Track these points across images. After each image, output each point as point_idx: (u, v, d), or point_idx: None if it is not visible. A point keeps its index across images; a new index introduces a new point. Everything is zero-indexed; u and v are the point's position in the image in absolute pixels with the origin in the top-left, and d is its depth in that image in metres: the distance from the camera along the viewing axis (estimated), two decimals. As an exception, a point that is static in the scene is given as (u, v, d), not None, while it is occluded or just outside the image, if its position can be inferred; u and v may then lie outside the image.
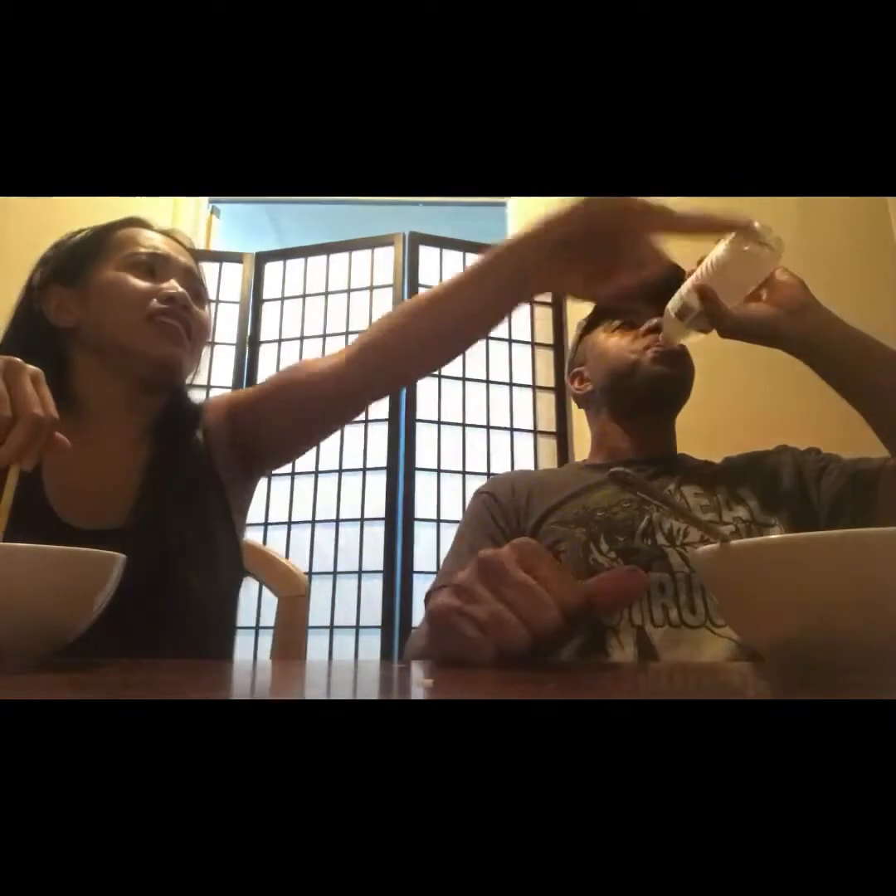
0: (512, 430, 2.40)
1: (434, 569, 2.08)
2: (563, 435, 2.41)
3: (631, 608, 0.80)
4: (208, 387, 2.40)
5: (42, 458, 0.54)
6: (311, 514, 2.29)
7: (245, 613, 1.44)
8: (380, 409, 2.32)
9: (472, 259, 2.45)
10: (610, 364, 1.00)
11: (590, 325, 1.06)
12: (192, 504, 0.75)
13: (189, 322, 0.80)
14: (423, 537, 2.20)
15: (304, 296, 2.51)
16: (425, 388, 2.34)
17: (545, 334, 2.52)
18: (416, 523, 2.21)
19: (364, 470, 2.29)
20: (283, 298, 2.52)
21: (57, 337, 0.79)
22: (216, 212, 2.79)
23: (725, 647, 0.76)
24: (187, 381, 0.87)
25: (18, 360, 0.54)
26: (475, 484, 1.76)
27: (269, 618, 1.12)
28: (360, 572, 2.21)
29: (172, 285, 0.79)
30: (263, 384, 0.87)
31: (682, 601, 0.80)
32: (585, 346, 1.06)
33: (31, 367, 0.55)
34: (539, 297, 2.54)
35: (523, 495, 0.96)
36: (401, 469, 2.26)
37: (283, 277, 2.54)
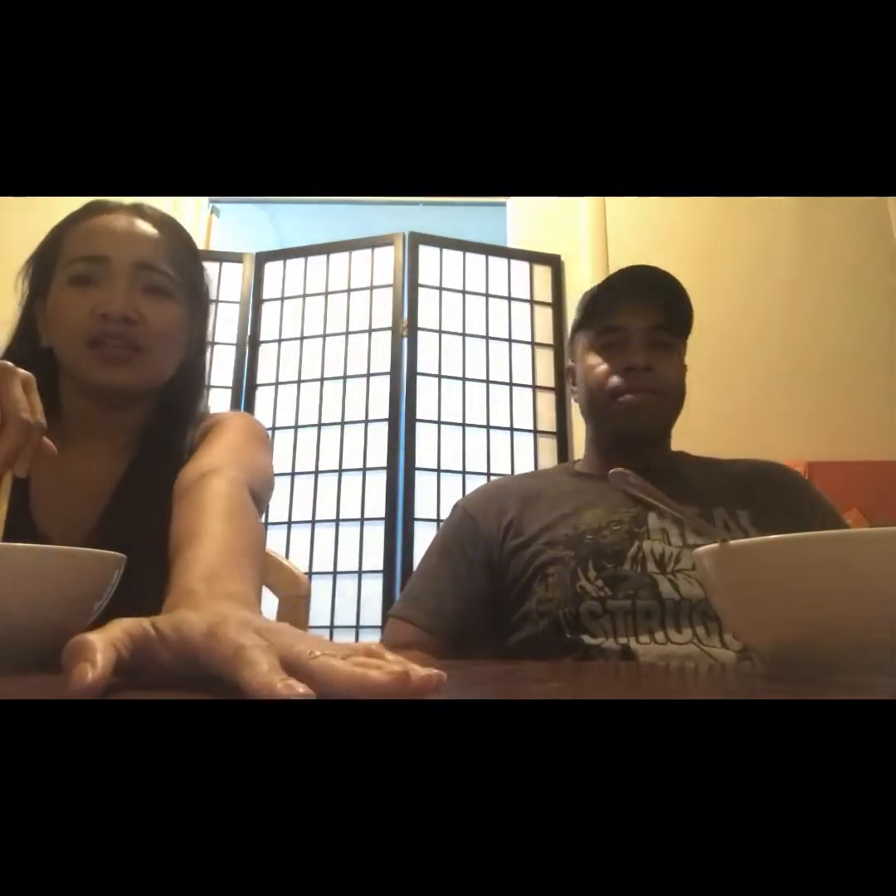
0: (512, 429, 2.40)
1: (434, 569, 2.08)
2: (562, 435, 2.41)
3: (616, 632, 0.79)
4: (208, 387, 2.40)
5: (33, 465, 0.53)
6: (311, 514, 2.29)
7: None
8: (380, 408, 2.33)
9: (472, 259, 2.41)
10: (590, 385, 0.94)
11: (580, 323, 0.98)
12: (164, 517, 0.64)
13: (131, 336, 0.71)
14: (423, 537, 2.20)
15: (304, 296, 2.51)
16: (425, 387, 2.35)
17: (545, 334, 2.52)
18: (416, 523, 2.21)
19: (364, 470, 2.29)
20: (283, 298, 2.53)
21: (48, 351, 0.75)
22: (216, 212, 2.79)
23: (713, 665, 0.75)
24: (187, 381, 0.83)
25: (10, 364, 0.53)
26: (475, 484, 1.76)
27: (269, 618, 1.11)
28: (360, 572, 2.21)
29: (105, 302, 0.70)
30: None
31: (668, 624, 0.79)
32: (576, 343, 1.00)
33: (22, 371, 0.53)
34: (539, 297, 2.54)
35: (511, 514, 0.92)
36: (401, 469, 2.26)
37: (283, 277, 2.55)
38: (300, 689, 0.27)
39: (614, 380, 0.91)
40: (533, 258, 2.59)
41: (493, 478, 2.22)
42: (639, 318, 0.92)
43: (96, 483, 0.74)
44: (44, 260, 0.75)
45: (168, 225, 0.77)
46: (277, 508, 2.30)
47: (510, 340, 2.49)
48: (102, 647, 0.31)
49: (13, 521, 0.51)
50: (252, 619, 0.34)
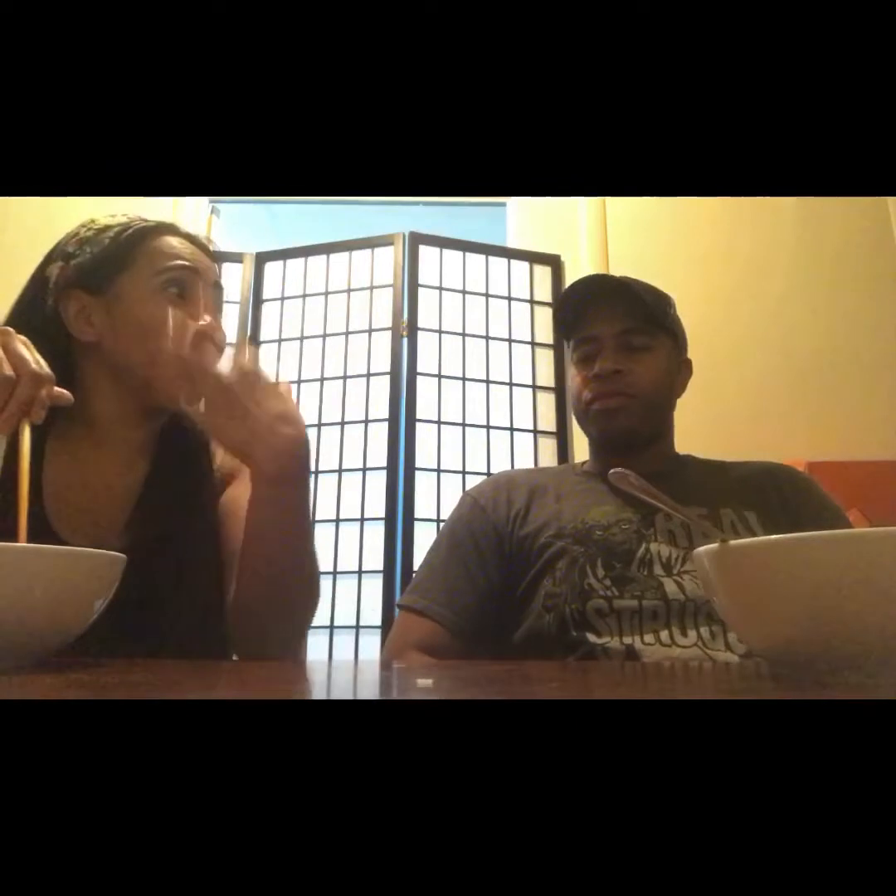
0: (512, 430, 2.39)
1: (434, 569, 2.08)
2: (562, 435, 2.41)
3: (622, 632, 0.80)
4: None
5: (44, 416, 0.57)
6: (312, 514, 2.29)
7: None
8: (380, 408, 2.33)
9: (472, 259, 2.40)
10: (572, 396, 0.99)
11: (564, 336, 1.04)
12: (189, 521, 0.70)
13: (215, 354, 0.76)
14: (423, 537, 2.20)
15: (304, 296, 2.51)
16: (425, 387, 2.34)
17: (545, 334, 2.52)
18: (416, 523, 2.21)
19: (364, 470, 2.29)
20: (283, 298, 2.52)
21: (68, 342, 0.75)
22: (216, 212, 2.79)
23: None
24: None
25: (5, 326, 0.57)
26: (475, 484, 1.75)
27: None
28: (360, 572, 2.21)
29: (196, 316, 0.75)
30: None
31: (674, 626, 0.79)
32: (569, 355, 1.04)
33: (18, 335, 0.57)
34: (539, 297, 2.54)
35: (519, 504, 0.93)
36: (401, 469, 2.26)
37: (283, 277, 2.54)
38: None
39: (586, 389, 0.94)
40: (533, 258, 2.58)
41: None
42: (608, 324, 0.94)
43: (116, 487, 0.75)
44: (107, 259, 0.75)
45: (214, 254, 0.84)
46: (277, 508, 2.29)
47: (510, 340, 2.48)
48: None
49: (29, 527, 0.51)
50: None
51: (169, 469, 0.77)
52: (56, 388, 0.58)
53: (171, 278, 0.75)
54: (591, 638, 0.80)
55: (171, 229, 0.80)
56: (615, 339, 0.93)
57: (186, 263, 0.77)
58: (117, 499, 0.74)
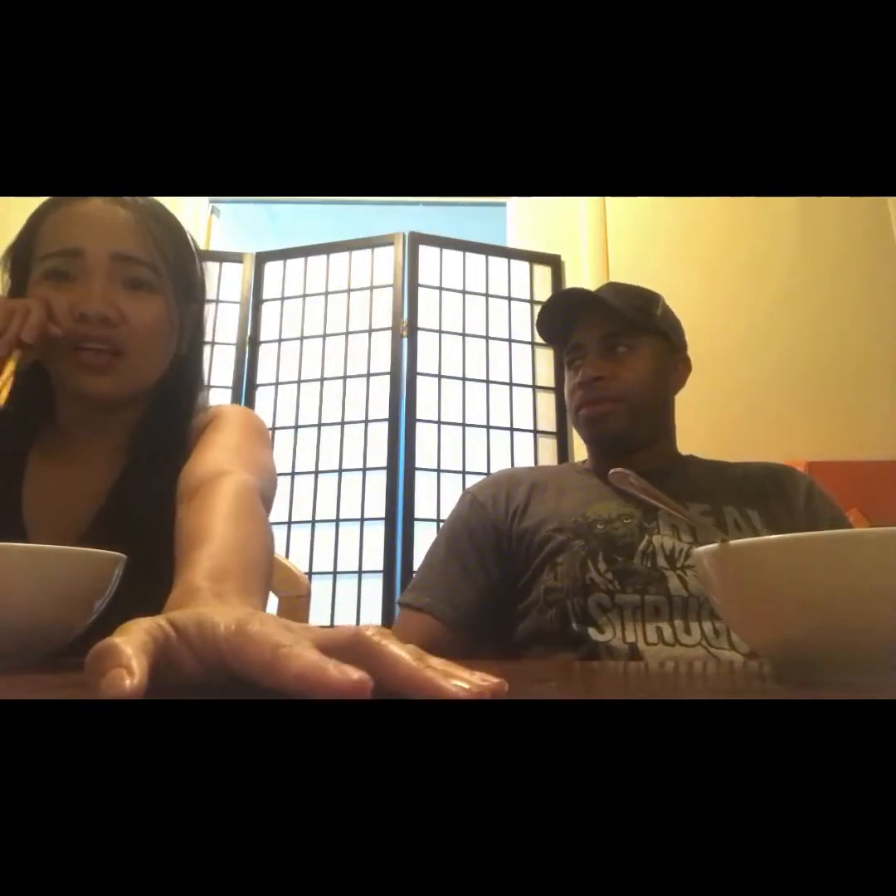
0: (512, 429, 2.40)
1: (434, 569, 2.07)
2: (562, 435, 2.41)
3: (624, 628, 0.80)
4: (208, 387, 2.40)
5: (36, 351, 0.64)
6: (312, 514, 2.29)
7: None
8: (380, 409, 2.33)
9: (472, 259, 2.41)
10: (566, 402, 1.01)
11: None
12: (156, 525, 0.60)
13: (112, 338, 0.66)
14: (423, 537, 2.20)
15: (304, 296, 2.51)
16: (425, 388, 2.35)
17: (545, 334, 2.52)
18: (416, 523, 2.21)
19: (364, 470, 2.29)
20: (283, 298, 2.52)
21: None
22: (216, 212, 2.79)
23: None
24: (184, 379, 0.79)
25: None
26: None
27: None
28: (360, 572, 2.21)
29: (83, 300, 0.65)
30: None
31: (677, 623, 0.79)
32: None
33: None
34: (539, 297, 2.54)
35: (520, 500, 0.93)
36: (401, 469, 2.26)
37: (283, 277, 2.54)
38: (355, 676, 0.24)
39: (574, 396, 0.96)
40: (533, 258, 2.58)
41: (493, 478, 2.22)
42: (589, 331, 0.95)
43: (91, 483, 0.73)
44: (20, 252, 0.71)
45: (150, 210, 0.71)
46: (277, 508, 2.27)
47: (510, 340, 2.48)
48: (135, 652, 0.27)
49: (2, 519, 0.50)
50: (279, 619, 0.31)
51: (142, 465, 0.72)
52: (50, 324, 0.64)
53: (50, 267, 0.67)
54: (593, 633, 0.80)
55: (71, 200, 0.70)
56: (597, 344, 0.94)
57: (66, 248, 0.67)
58: (91, 497, 0.72)
